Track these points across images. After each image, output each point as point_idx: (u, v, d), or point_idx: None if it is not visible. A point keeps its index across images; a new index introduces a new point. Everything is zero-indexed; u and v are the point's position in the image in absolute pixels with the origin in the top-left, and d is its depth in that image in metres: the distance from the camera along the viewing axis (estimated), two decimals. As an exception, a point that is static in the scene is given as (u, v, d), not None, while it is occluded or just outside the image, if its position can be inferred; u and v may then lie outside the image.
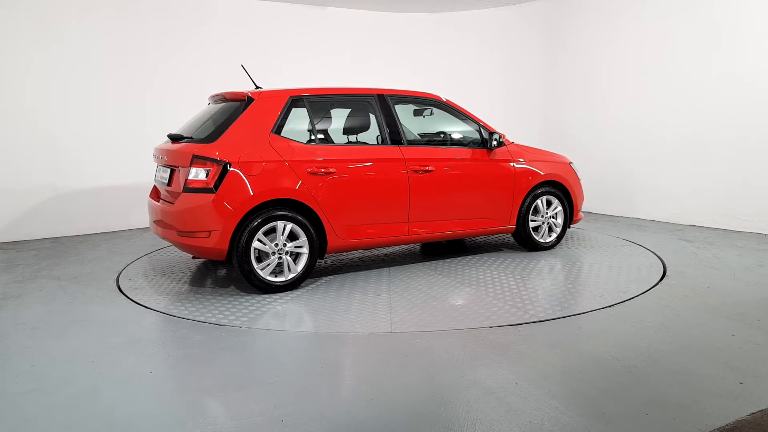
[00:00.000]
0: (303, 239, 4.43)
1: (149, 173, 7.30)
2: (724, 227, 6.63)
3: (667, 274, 4.77)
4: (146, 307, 4.12)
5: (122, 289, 4.60)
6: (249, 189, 4.23)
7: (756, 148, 6.28)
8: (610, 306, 3.95)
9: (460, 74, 9.17)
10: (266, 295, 4.31)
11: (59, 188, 6.84)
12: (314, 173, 4.47)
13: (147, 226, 7.35)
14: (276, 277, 4.39)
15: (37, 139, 6.67)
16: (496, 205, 5.37)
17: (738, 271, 4.80)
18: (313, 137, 4.70)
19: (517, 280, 4.66)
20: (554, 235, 5.75)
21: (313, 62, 8.37)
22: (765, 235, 6.24)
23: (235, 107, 4.55)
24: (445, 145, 5.36)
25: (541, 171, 5.57)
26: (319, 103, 4.82)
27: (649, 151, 7.38)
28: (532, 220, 5.58)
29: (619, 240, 6.16)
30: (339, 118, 5.06)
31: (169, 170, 4.56)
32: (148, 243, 6.39)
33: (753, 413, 2.46)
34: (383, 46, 8.99)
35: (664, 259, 5.23)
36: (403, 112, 5.18)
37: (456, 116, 5.34)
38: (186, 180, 4.25)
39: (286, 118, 4.56)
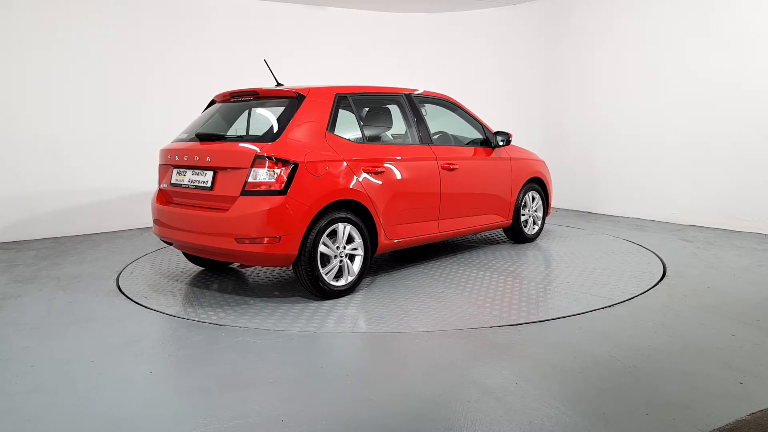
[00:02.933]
0: (359, 241, 4.30)
1: (149, 173, 7.30)
2: (724, 227, 6.63)
3: (667, 274, 4.77)
4: (146, 307, 4.12)
5: (122, 289, 4.60)
6: (317, 190, 4.02)
7: (756, 148, 6.28)
8: (610, 306, 3.95)
9: (460, 74, 9.17)
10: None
11: (59, 188, 6.84)
12: (368, 172, 4.38)
13: (146, 226, 7.36)
14: (337, 281, 4.22)
15: (38, 139, 6.66)
16: (500, 201, 5.67)
17: (738, 271, 4.80)
18: (360, 135, 4.58)
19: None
20: (537, 228, 6.20)
21: (313, 62, 8.37)
22: (765, 235, 6.24)
23: (284, 104, 4.31)
24: (458, 144, 5.48)
25: (529, 168, 6.00)
26: (361, 101, 4.78)
27: (648, 151, 7.38)
28: (521, 214, 5.97)
29: (619, 240, 6.16)
30: (378, 116, 5.01)
31: (210, 173, 4.16)
32: (148, 243, 6.38)
33: (753, 413, 2.45)
34: (383, 46, 8.99)
35: (664, 259, 5.23)
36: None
37: (463, 116, 5.53)
38: (246, 182, 3.92)
39: (336, 116, 4.40)
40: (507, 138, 5.64)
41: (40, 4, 6.58)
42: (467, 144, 5.50)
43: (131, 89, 7.19)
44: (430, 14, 9.21)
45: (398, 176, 4.60)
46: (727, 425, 2.36)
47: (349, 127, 4.58)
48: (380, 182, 4.45)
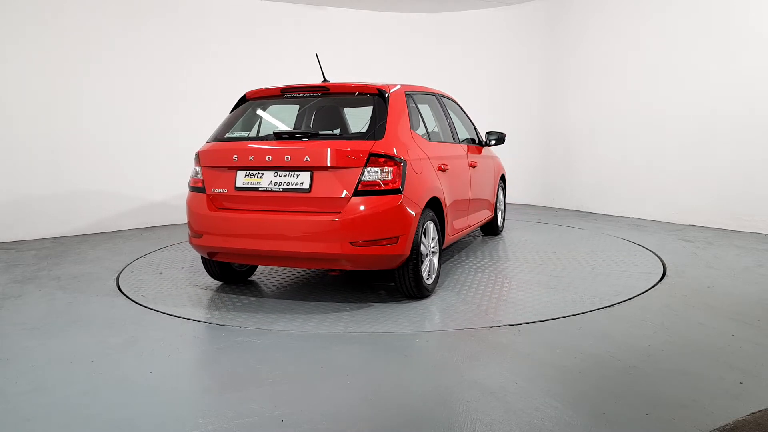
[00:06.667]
0: (436, 238, 4.27)
1: (148, 173, 7.31)
2: (724, 227, 6.63)
3: (667, 274, 4.77)
4: (146, 307, 4.12)
5: (122, 289, 4.60)
6: (421, 188, 3.99)
7: (756, 148, 6.28)
8: (610, 306, 3.95)
9: (460, 74, 9.18)
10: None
11: (59, 188, 6.83)
12: (440, 170, 4.40)
13: (146, 226, 7.36)
14: (427, 280, 4.17)
15: (38, 139, 6.66)
16: (490, 197, 5.99)
17: (738, 271, 4.80)
18: (427, 134, 4.59)
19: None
20: (502, 221, 6.68)
21: (313, 62, 8.36)
22: (765, 235, 6.24)
23: (369, 101, 4.19)
24: (462, 142, 5.58)
25: (500, 166, 6.47)
26: (420, 99, 4.80)
27: (649, 151, 7.38)
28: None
29: (618, 240, 6.16)
30: (424, 115, 4.99)
31: (307, 173, 3.82)
32: (148, 243, 6.38)
33: (753, 413, 2.45)
34: (383, 46, 8.99)
35: (664, 259, 5.23)
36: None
37: (460, 114, 5.70)
38: (359, 182, 3.72)
39: (411, 114, 4.36)
40: (502, 137, 5.79)
41: (41, 3, 6.57)
42: (461, 142, 5.54)
43: (131, 90, 7.19)
44: (430, 14, 9.21)
45: (455, 173, 4.74)
46: (727, 425, 2.36)
47: (419, 125, 4.60)
48: (447, 179, 4.52)
